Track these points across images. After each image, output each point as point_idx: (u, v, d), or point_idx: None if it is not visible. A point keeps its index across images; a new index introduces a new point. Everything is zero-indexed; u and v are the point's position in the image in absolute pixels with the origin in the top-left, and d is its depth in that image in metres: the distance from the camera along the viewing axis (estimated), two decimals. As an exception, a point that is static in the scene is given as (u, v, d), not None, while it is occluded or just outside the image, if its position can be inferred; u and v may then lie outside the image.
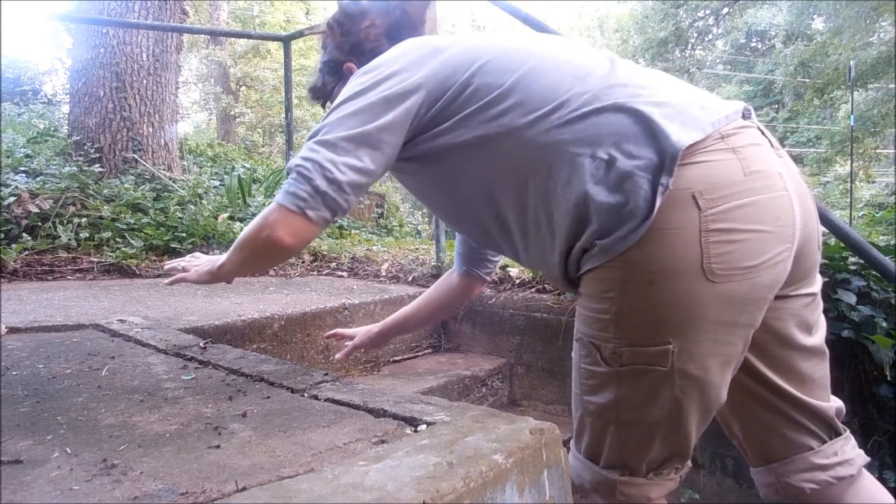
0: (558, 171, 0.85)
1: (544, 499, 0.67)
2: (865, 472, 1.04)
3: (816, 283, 0.98)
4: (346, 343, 1.47)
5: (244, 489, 0.57)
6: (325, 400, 0.87)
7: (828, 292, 1.53)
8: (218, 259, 1.08)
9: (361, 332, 1.46)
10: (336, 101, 0.95)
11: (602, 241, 0.82)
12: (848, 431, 1.05)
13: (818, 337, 1.00)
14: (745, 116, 0.86)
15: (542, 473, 0.67)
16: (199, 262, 1.15)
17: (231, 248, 1.03)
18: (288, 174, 0.93)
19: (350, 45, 1.15)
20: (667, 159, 0.77)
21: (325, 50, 1.20)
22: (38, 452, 0.68)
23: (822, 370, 1.01)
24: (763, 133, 0.87)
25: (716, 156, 0.79)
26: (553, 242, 0.88)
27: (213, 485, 0.59)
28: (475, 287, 1.36)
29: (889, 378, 1.43)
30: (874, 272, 1.51)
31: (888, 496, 1.03)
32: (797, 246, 0.85)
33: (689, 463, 0.96)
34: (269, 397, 0.90)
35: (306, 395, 0.90)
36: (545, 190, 0.87)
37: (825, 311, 1.48)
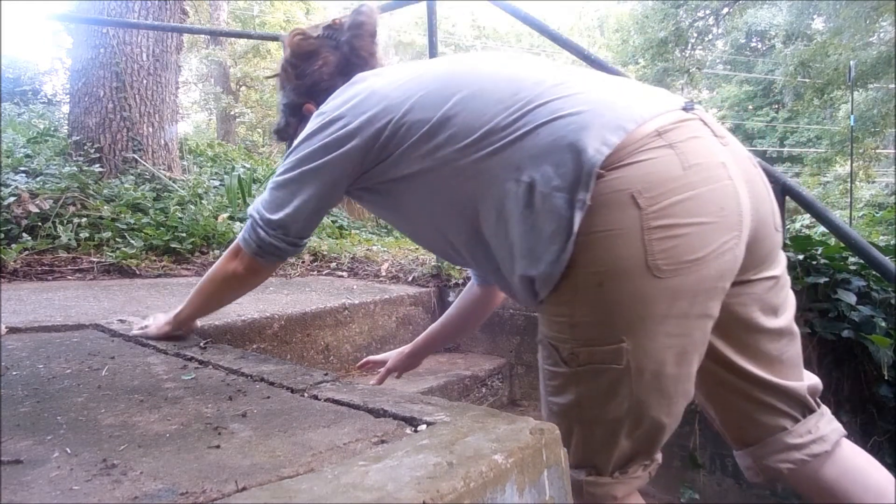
0: (493, 198, 0.88)
1: (544, 499, 0.67)
2: (845, 443, 1.04)
3: (779, 266, 0.98)
4: (379, 370, 1.49)
5: (244, 489, 0.57)
6: (325, 400, 0.87)
7: (828, 292, 1.53)
8: (175, 310, 1.25)
9: (393, 355, 1.49)
10: (293, 145, 1.05)
11: (538, 271, 0.85)
12: (823, 407, 1.06)
13: (785, 318, 1.00)
14: (687, 109, 0.87)
15: (542, 473, 0.67)
16: (157, 319, 1.32)
17: (189, 295, 1.21)
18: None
19: (306, 88, 1.21)
20: (583, 175, 0.79)
21: (283, 92, 1.26)
22: (38, 452, 0.68)
23: (791, 350, 1.02)
24: (706, 124, 0.87)
25: (653, 153, 0.80)
26: (512, 265, 0.91)
27: (213, 485, 0.59)
28: (497, 294, 1.38)
29: (888, 378, 1.43)
30: (874, 272, 1.50)
31: (869, 463, 1.03)
32: (750, 232, 0.86)
33: (658, 458, 0.96)
34: (269, 397, 0.90)
35: (306, 395, 0.91)
36: (487, 217, 0.91)
37: (825, 311, 1.48)
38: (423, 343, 1.46)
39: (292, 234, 1.04)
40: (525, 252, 0.85)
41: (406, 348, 1.48)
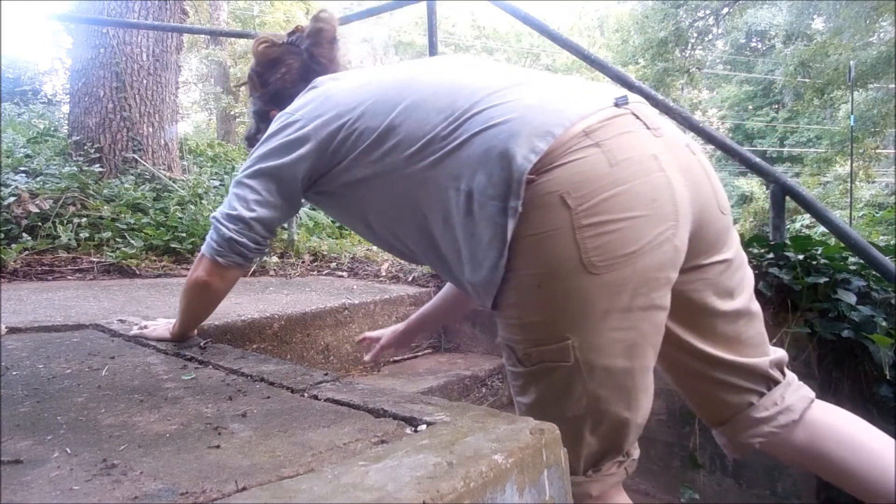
0: (439, 205, 0.91)
1: (544, 499, 0.67)
2: (817, 406, 1.06)
3: (730, 248, 0.99)
4: (375, 345, 1.53)
5: (244, 489, 0.57)
6: (325, 400, 0.87)
7: (828, 292, 1.53)
8: (172, 321, 1.27)
9: (388, 332, 1.53)
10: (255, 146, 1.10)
11: (480, 276, 0.88)
12: (789, 376, 1.08)
13: (742, 299, 1.01)
14: (619, 104, 0.88)
15: (542, 473, 0.67)
16: (158, 324, 1.33)
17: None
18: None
19: (270, 96, 1.26)
20: (513, 183, 0.81)
21: (252, 99, 1.32)
22: (38, 452, 0.68)
23: (751, 329, 1.03)
24: (638, 117, 0.88)
25: (579, 154, 0.82)
26: (462, 270, 0.94)
27: (213, 485, 0.59)
28: None
29: (889, 378, 1.43)
30: (874, 272, 1.50)
31: (845, 420, 1.06)
32: (691, 219, 0.88)
33: (635, 454, 0.97)
34: (269, 397, 0.90)
35: (306, 395, 0.90)
36: (435, 223, 0.94)
37: (825, 311, 1.48)
38: (417, 322, 1.50)
39: (255, 231, 1.06)
40: (468, 258, 0.89)
41: (400, 326, 1.52)
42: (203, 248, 1.10)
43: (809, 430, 1.03)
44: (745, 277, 1.04)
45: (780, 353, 1.07)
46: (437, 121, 0.91)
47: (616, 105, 0.88)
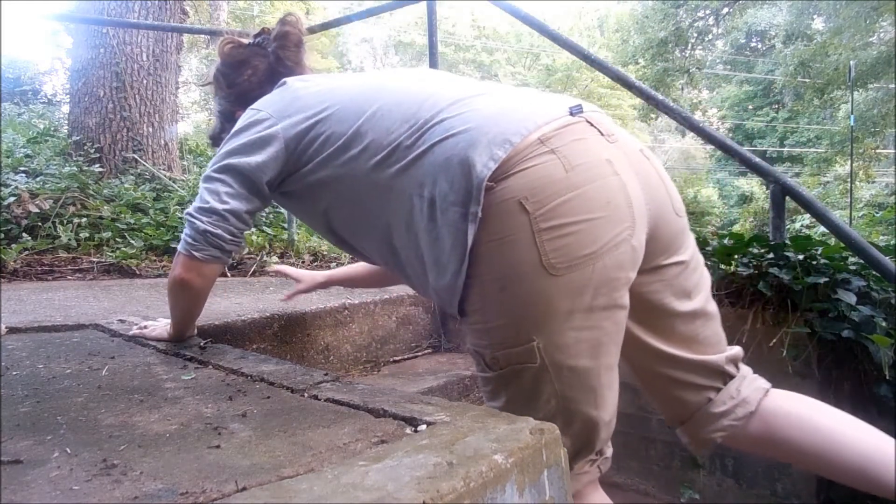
0: (403, 212, 0.94)
1: (544, 499, 0.67)
2: (774, 395, 1.09)
3: (686, 251, 1.02)
4: (291, 280, 1.62)
5: (244, 489, 0.57)
6: (325, 400, 0.87)
7: (828, 292, 1.53)
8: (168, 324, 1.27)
9: (307, 277, 1.61)
10: (223, 142, 1.11)
11: (444, 281, 0.90)
12: (744, 369, 1.10)
13: (699, 300, 1.04)
14: (574, 113, 0.91)
15: (542, 473, 0.67)
16: (158, 324, 1.33)
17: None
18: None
19: (236, 96, 1.28)
20: (474, 189, 0.84)
21: (217, 99, 1.33)
22: (38, 452, 0.68)
23: (708, 329, 1.06)
24: (592, 125, 0.91)
25: (536, 161, 0.85)
26: (426, 277, 0.96)
27: (213, 485, 0.59)
28: None
29: (889, 378, 1.43)
30: (874, 272, 1.50)
31: (802, 404, 1.08)
32: (647, 221, 0.91)
33: (608, 453, 0.99)
34: (269, 397, 0.90)
35: (306, 395, 0.90)
36: (397, 229, 0.97)
37: (825, 311, 1.48)
38: (339, 277, 1.57)
39: (229, 223, 1.06)
40: (433, 263, 0.91)
41: (320, 276, 1.59)
42: (179, 246, 1.10)
43: (767, 418, 1.06)
44: (703, 278, 1.06)
45: (735, 350, 1.10)
46: (402, 130, 0.94)
47: (571, 114, 0.91)
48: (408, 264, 0.99)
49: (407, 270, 1.01)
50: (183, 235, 1.09)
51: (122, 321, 1.49)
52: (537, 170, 0.85)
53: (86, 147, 3.93)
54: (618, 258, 0.86)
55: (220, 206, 1.05)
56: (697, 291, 1.04)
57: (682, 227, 1.01)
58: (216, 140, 1.32)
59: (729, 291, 1.71)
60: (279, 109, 1.07)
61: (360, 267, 1.54)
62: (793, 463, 1.13)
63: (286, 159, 1.05)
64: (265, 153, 1.04)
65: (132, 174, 3.88)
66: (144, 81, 4.12)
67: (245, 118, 1.09)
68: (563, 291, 0.84)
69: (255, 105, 1.11)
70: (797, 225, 10.76)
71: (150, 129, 4.14)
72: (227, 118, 1.29)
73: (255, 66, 1.27)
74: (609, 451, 1.00)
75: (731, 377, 1.08)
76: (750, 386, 1.08)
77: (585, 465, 0.96)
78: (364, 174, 0.97)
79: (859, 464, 0.99)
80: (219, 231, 1.05)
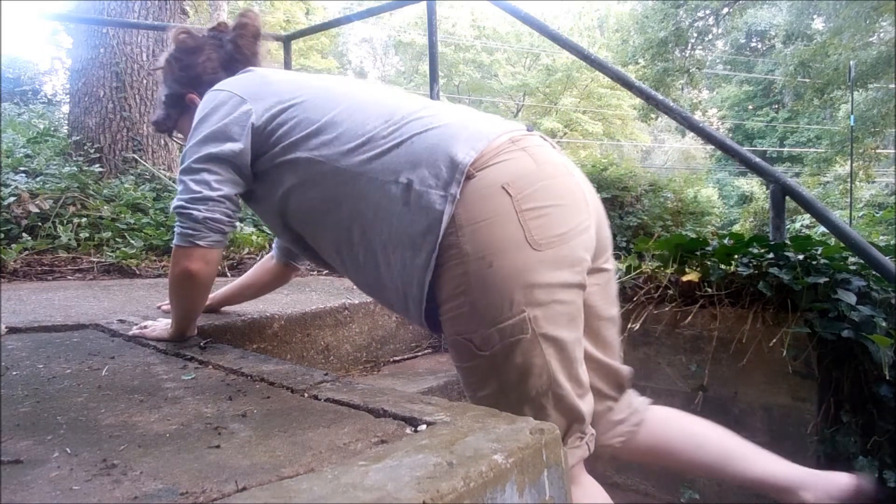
0: (372, 197, 0.98)
1: (544, 499, 0.67)
2: (653, 409, 1.22)
3: (611, 261, 1.15)
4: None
5: (244, 489, 0.57)
6: (325, 400, 0.87)
7: (828, 292, 1.53)
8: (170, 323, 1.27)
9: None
10: (191, 130, 1.12)
11: (420, 260, 0.94)
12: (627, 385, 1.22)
13: (616, 308, 1.16)
14: (529, 130, 1.04)
15: (542, 473, 0.67)
16: (158, 324, 1.33)
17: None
18: (175, 214, 1.11)
19: (189, 79, 1.29)
20: (456, 173, 0.93)
21: (165, 84, 1.35)
22: (38, 452, 0.68)
23: (617, 338, 1.18)
24: (545, 139, 1.05)
25: (511, 155, 0.96)
26: (387, 269, 1.00)
27: (213, 485, 0.59)
28: (291, 274, 1.58)
29: (889, 378, 1.43)
30: (874, 272, 1.51)
31: (675, 415, 1.23)
32: (595, 220, 1.02)
33: (592, 430, 1.04)
34: (269, 397, 0.90)
35: (306, 395, 0.91)
36: (364, 215, 1.00)
37: (825, 311, 1.49)
38: (218, 301, 1.60)
39: (225, 206, 1.10)
40: (408, 245, 0.95)
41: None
42: (176, 241, 1.10)
43: (651, 429, 1.18)
44: (615, 289, 1.18)
45: (628, 367, 1.20)
46: (377, 123, 1.01)
47: (528, 129, 1.04)
48: (364, 260, 1.02)
49: (361, 267, 1.04)
50: (179, 230, 1.09)
51: (122, 321, 1.49)
52: (513, 162, 0.95)
53: (86, 147, 3.93)
54: (584, 241, 0.97)
55: (213, 193, 1.08)
56: (615, 300, 1.15)
57: (609, 239, 1.12)
58: (159, 125, 1.36)
59: (729, 291, 1.71)
60: (250, 92, 1.10)
61: (233, 287, 1.58)
62: (673, 468, 1.25)
63: (256, 140, 1.08)
64: (244, 137, 1.07)
65: (132, 174, 3.88)
66: (144, 81, 4.12)
67: (211, 100, 1.11)
68: (546, 264, 0.92)
69: (219, 86, 1.13)
70: (797, 225, 10.76)
71: (150, 129, 4.14)
72: (175, 102, 1.32)
73: (208, 55, 1.29)
74: (591, 429, 1.05)
75: (625, 391, 1.18)
76: (637, 398, 1.21)
77: (576, 440, 1.01)
78: (334, 159, 1.01)
79: (721, 460, 1.15)
80: (217, 216, 1.09)
